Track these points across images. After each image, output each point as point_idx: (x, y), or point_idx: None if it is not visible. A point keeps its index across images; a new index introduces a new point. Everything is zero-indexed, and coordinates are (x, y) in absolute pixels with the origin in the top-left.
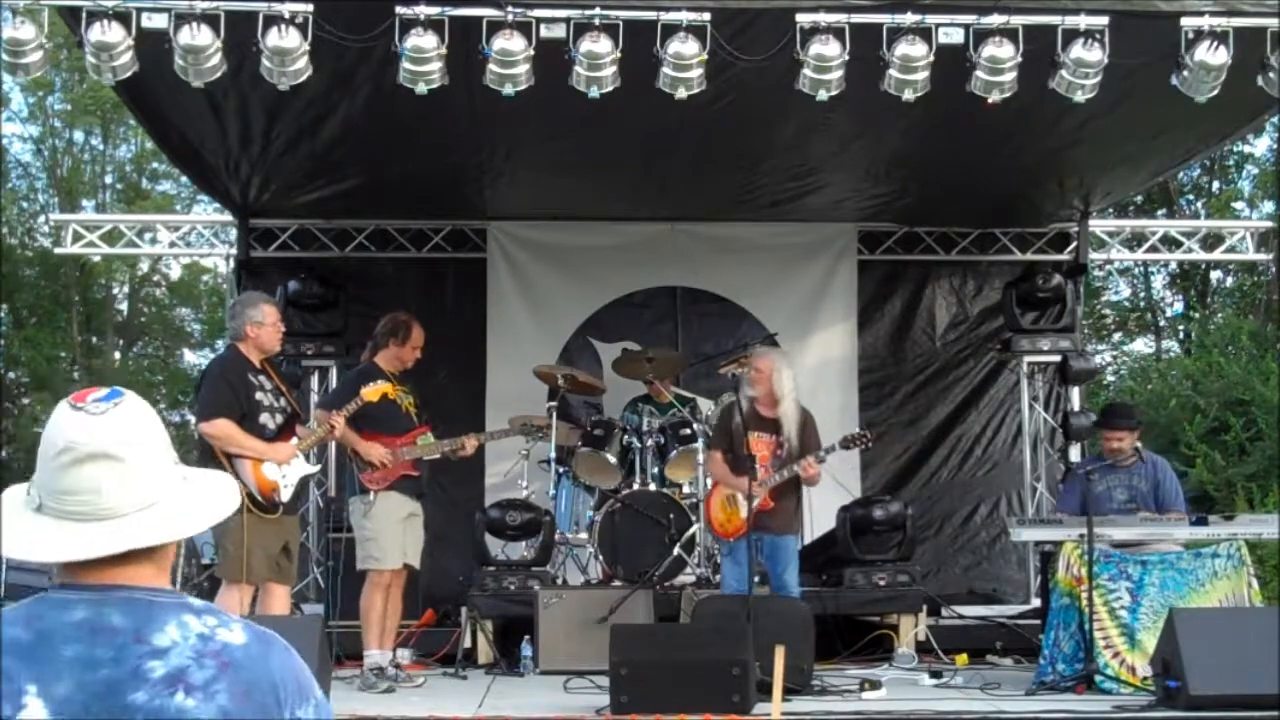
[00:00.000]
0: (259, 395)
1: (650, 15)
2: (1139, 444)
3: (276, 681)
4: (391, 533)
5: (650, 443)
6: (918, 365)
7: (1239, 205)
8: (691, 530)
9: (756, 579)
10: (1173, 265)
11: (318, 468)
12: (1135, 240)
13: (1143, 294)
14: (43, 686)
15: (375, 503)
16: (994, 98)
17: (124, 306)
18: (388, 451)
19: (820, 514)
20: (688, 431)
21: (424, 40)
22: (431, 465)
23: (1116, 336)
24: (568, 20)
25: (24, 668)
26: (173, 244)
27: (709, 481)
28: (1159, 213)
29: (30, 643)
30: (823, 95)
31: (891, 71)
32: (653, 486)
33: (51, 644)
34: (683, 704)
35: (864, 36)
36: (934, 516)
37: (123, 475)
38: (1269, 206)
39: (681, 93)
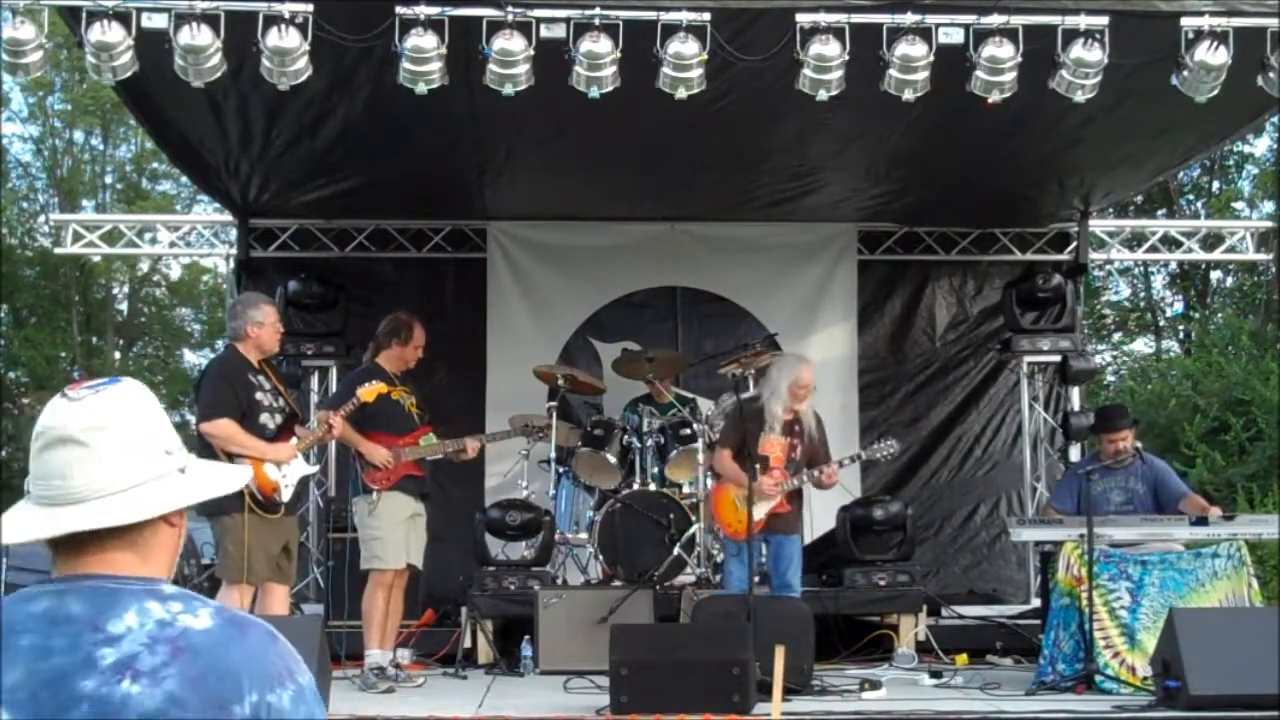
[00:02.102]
0: (258, 395)
1: (650, 15)
2: (1139, 444)
3: (238, 668)
4: (395, 532)
5: (650, 443)
6: (918, 365)
7: (1239, 205)
8: (691, 530)
9: (757, 579)
10: (1173, 265)
11: (317, 468)
12: (1135, 240)
13: (1143, 294)
14: None
15: (379, 502)
16: (994, 98)
17: (124, 306)
18: (391, 453)
19: (820, 514)
20: (688, 431)
21: (424, 40)
22: (432, 465)
23: (1116, 336)
24: (568, 20)
25: None
26: (173, 244)
27: (709, 481)
28: (1159, 213)
29: None
30: (823, 95)
31: (891, 71)
32: (653, 486)
33: (12, 634)
34: (683, 704)
35: (864, 36)
36: (934, 516)
37: (88, 460)
38: (1269, 206)
39: (681, 93)
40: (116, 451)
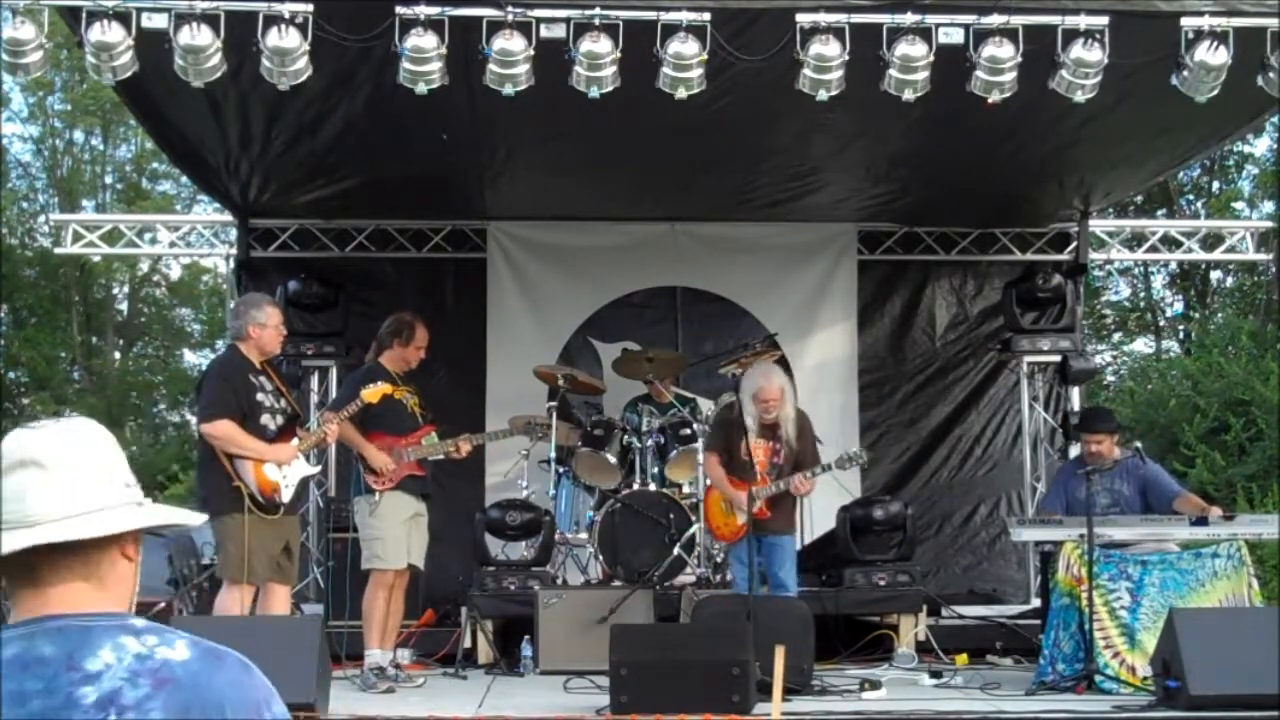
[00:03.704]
0: (260, 396)
1: (650, 15)
2: (1138, 445)
3: (220, 697)
4: (397, 532)
5: (650, 443)
6: (918, 365)
7: (1239, 205)
8: (691, 530)
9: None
10: (1173, 265)
11: (318, 468)
12: (1135, 240)
13: (1143, 294)
14: None
15: (381, 502)
16: (994, 98)
17: (124, 306)
18: (391, 460)
19: (820, 514)
20: (688, 431)
21: (424, 40)
22: (433, 465)
23: (1116, 336)
24: (568, 20)
25: None
26: (173, 244)
27: (707, 482)
28: (1159, 213)
29: None
30: (823, 95)
31: (891, 71)
32: (653, 486)
33: None
34: (683, 704)
35: (864, 36)
36: (934, 516)
37: (47, 483)
38: (1269, 206)
39: (681, 93)
40: (76, 477)
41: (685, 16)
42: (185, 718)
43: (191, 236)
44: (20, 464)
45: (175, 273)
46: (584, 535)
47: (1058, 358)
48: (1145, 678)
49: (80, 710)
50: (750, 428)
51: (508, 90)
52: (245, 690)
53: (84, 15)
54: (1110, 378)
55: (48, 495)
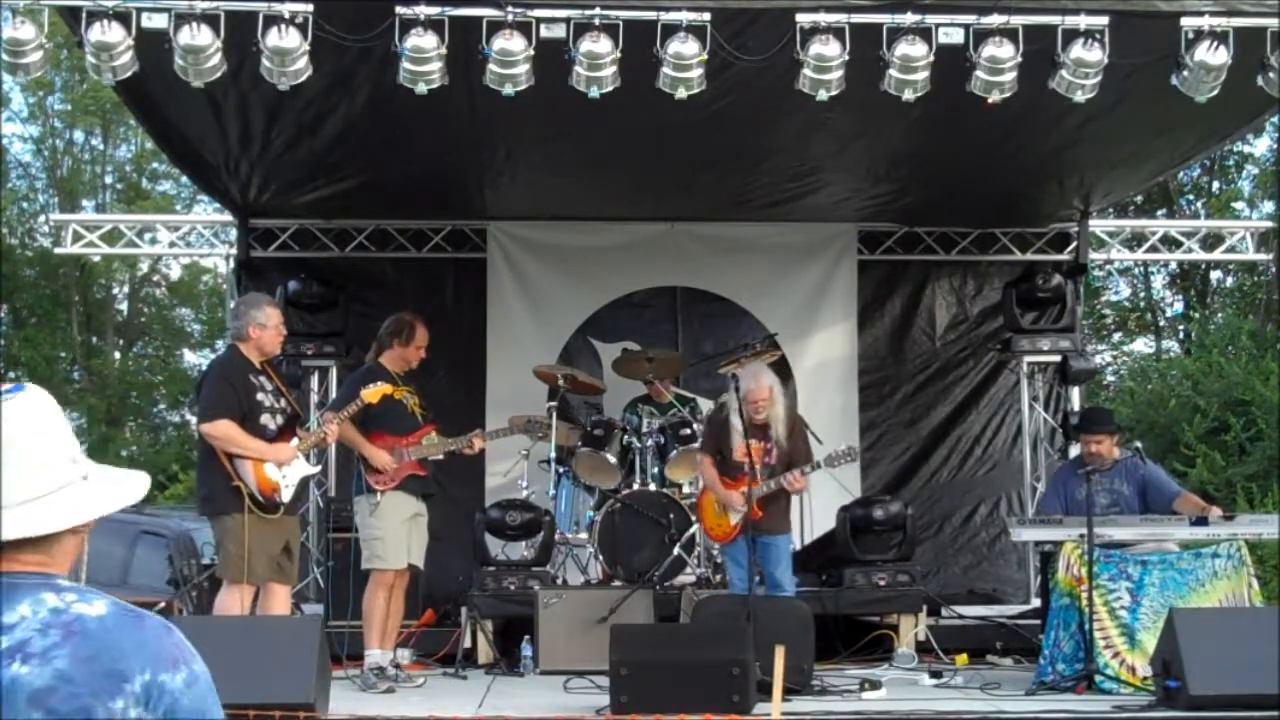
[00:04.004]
0: (260, 396)
1: (650, 15)
2: (1138, 445)
3: (131, 649)
4: (397, 532)
5: (650, 443)
6: (918, 365)
7: (1239, 205)
8: (691, 530)
9: (756, 579)
10: (1173, 265)
11: (318, 468)
12: (1135, 240)
13: (1143, 294)
14: None
15: (381, 502)
16: (994, 98)
17: (124, 306)
18: (392, 460)
19: (820, 514)
20: (688, 431)
21: (424, 40)
22: (433, 465)
23: (1116, 336)
24: (568, 20)
25: None
26: (173, 244)
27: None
28: (1159, 213)
29: None
30: (823, 95)
31: (891, 71)
32: (653, 486)
33: None
34: (683, 704)
35: (864, 36)
36: (934, 516)
37: (9, 464)
38: (1269, 206)
39: (681, 93)
40: (30, 461)
41: (685, 16)
42: (90, 663)
43: (191, 236)
44: None
45: (175, 273)
46: (584, 535)
47: (1058, 358)
48: (1145, 678)
49: None
50: (738, 427)
51: (508, 90)
52: (164, 647)
53: (84, 15)
54: (1110, 378)
55: (12, 479)
